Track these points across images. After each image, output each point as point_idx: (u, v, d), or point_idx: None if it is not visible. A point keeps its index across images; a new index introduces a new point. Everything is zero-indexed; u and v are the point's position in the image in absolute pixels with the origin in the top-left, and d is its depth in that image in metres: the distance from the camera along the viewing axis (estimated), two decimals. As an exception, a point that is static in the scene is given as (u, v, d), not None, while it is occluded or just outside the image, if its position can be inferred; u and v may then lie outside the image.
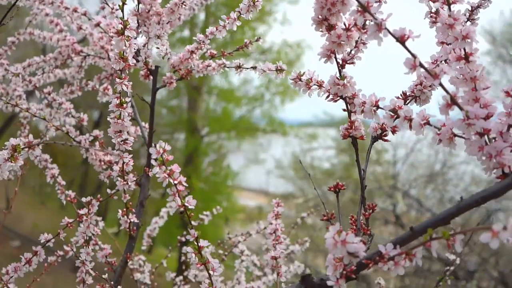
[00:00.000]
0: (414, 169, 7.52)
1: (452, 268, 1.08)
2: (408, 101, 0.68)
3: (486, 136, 0.52)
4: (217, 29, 0.89)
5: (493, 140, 0.52)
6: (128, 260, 1.00)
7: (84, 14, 1.10)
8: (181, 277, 1.36)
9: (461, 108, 0.51)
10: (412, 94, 0.68)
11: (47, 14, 1.21)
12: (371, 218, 0.67)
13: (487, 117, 0.53)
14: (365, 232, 0.62)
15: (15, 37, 1.34)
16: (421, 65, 0.50)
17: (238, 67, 0.93)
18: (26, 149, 0.66)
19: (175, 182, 0.61)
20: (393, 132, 0.67)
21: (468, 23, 0.67)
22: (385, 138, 0.67)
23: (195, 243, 0.64)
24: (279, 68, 0.83)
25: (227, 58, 0.99)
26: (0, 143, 0.80)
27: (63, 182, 1.11)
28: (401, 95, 0.69)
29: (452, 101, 0.51)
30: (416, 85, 0.68)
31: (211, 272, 0.64)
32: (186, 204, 0.62)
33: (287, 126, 11.23)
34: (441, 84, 0.51)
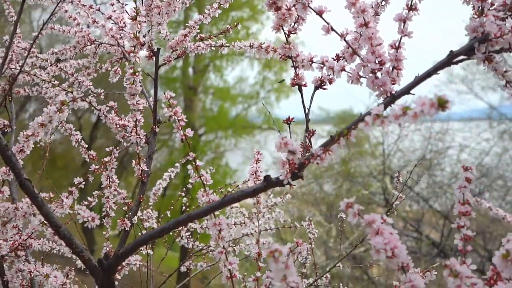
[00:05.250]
0: (405, 156, 7.84)
1: (398, 202, 1.36)
2: (340, 60, 0.96)
3: (380, 74, 0.80)
4: (203, 16, 1.17)
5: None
6: (141, 201, 1.27)
7: (98, 10, 1.38)
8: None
9: (359, 56, 0.79)
10: (343, 55, 0.96)
11: (66, 11, 1.49)
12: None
13: (380, 63, 0.81)
14: (308, 149, 0.90)
15: (38, 31, 1.62)
16: (332, 29, 0.78)
17: (222, 45, 1.21)
18: (72, 102, 0.93)
19: (179, 118, 0.89)
20: (330, 82, 0.95)
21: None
22: (324, 87, 0.95)
23: (193, 162, 0.92)
24: (251, 44, 1.11)
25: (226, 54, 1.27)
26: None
27: (86, 145, 1.38)
28: (335, 55, 0.96)
29: (353, 52, 0.79)
30: (345, 48, 0.96)
31: (205, 182, 0.92)
32: (186, 133, 0.90)
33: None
34: (345, 41, 0.79)
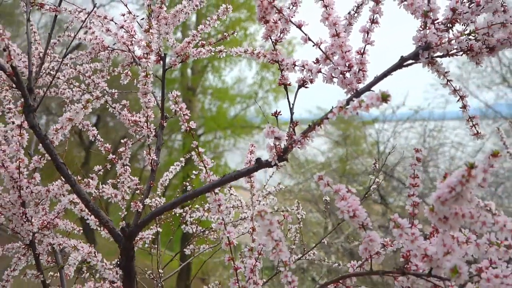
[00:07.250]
0: (400, 153, 8.03)
1: (375, 187, 1.55)
2: (319, 64, 1.14)
3: (348, 75, 0.99)
4: (205, 26, 1.36)
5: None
6: (151, 186, 1.46)
7: (112, 20, 1.57)
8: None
9: (331, 61, 0.98)
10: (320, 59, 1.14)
11: (83, 21, 1.67)
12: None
13: (349, 66, 1.00)
14: (291, 137, 1.09)
15: (56, 39, 1.81)
16: (309, 39, 0.97)
17: (221, 51, 1.40)
18: (95, 100, 1.12)
19: (184, 113, 1.08)
20: (311, 82, 1.13)
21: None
22: (306, 86, 1.14)
23: (196, 149, 1.11)
24: (245, 50, 1.30)
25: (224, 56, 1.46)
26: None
27: (102, 139, 1.57)
28: (315, 59, 1.15)
29: (326, 57, 0.98)
30: (321, 54, 1.14)
31: (206, 165, 1.10)
32: (190, 125, 1.09)
33: (282, 122, 11.65)
34: (320, 48, 0.98)
